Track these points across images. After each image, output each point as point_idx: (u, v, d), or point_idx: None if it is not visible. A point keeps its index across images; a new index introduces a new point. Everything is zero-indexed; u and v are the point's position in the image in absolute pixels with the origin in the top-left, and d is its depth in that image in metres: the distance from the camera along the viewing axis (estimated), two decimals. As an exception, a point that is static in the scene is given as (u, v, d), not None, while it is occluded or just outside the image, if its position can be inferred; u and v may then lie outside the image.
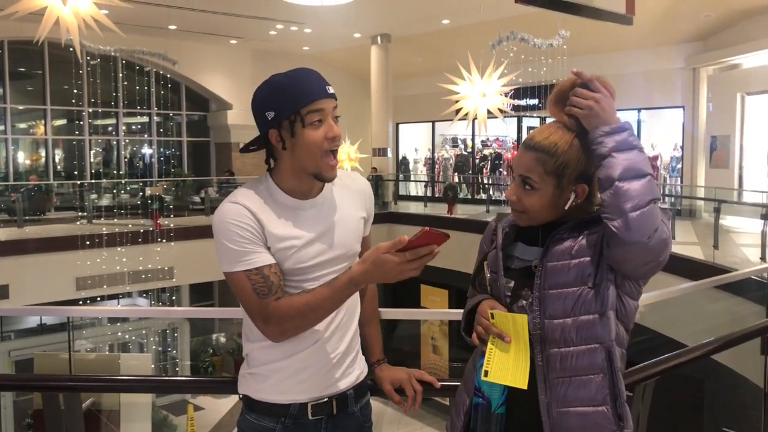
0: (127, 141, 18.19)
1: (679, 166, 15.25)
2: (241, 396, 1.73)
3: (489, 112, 11.41)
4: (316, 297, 1.53)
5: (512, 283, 1.55)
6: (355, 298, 1.74)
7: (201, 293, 15.40)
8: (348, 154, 16.12)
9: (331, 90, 1.59)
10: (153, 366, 11.24)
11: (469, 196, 18.65)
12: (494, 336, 1.48)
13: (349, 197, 1.73)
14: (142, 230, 11.74)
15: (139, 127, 18.70)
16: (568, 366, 1.45)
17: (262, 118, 1.59)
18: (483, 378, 1.46)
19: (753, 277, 5.37)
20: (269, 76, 1.61)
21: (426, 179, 19.91)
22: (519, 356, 1.46)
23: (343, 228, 1.67)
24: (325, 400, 1.67)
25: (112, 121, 17.67)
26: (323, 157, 1.58)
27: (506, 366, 1.46)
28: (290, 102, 1.55)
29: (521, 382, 1.45)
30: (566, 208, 1.49)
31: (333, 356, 1.67)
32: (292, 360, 1.64)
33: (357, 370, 1.75)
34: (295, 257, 1.60)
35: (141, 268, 11.50)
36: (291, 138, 1.57)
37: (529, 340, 1.47)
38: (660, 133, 15.89)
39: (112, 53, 12.71)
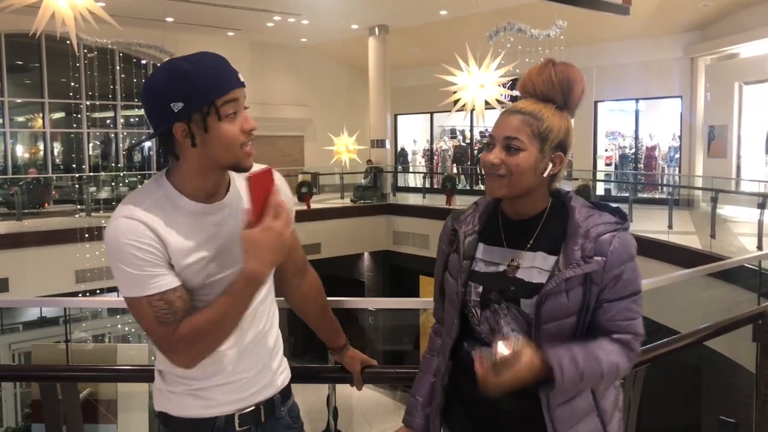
0: (125, 134, 18.16)
1: (677, 155, 15.26)
2: (157, 413, 1.59)
3: (487, 103, 11.39)
4: (218, 309, 1.38)
5: (480, 288, 1.53)
6: (271, 302, 1.66)
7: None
8: (346, 145, 16.13)
9: (242, 77, 1.42)
10: (153, 357, 11.27)
11: (468, 187, 18.67)
12: None
13: None
14: (140, 223, 11.71)
15: (137, 119, 18.66)
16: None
17: (163, 109, 1.36)
18: None
19: (746, 265, 5.39)
20: (167, 61, 1.42)
21: (424, 170, 19.91)
22: None
23: None
24: (252, 408, 1.58)
25: (110, 114, 17.63)
26: (240, 148, 1.41)
27: None
28: (203, 92, 1.36)
29: None
30: (544, 175, 1.49)
31: (258, 365, 1.58)
32: (218, 377, 1.52)
33: (284, 374, 1.68)
34: (207, 270, 1.44)
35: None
36: (203, 133, 1.37)
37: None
38: (658, 123, 15.90)
39: (109, 46, 12.69)
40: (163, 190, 1.44)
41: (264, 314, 1.60)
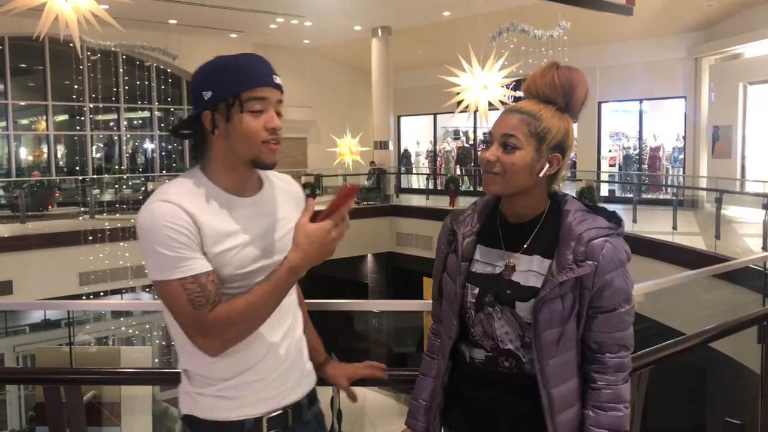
0: (128, 136, 18.19)
1: (681, 156, 15.22)
2: (182, 416, 1.59)
3: (490, 104, 11.38)
4: (258, 295, 1.40)
5: (477, 290, 1.53)
6: (295, 300, 1.67)
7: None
8: (349, 147, 16.13)
9: (278, 80, 1.48)
10: (156, 360, 11.29)
11: (471, 189, 18.63)
12: None
13: (288, 200, 1.62)
14: (144, 225, 11.73)
15: (141, 122, 18.70)
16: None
17: (198, 97, 1.46)
18: None
19: (751, 266, 5.36)
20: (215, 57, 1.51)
21: (428, 172, 19.90)
22: None
23: (284, 230, 1.55)
24: (281, 411, 1.56)
25: (114, 116, 17.67)
26: (261, 144, 1.46)
27: None
28: (231, 83, 1.44)
29: None
30: (540, 176, 1.49)
31: (286, 364, 1.57)
32: (246, 374, 1.51)
33: (311, 377, 1.68)
34: (237, 261, 1.46)
35: (144, 262, 11.51)
36: (225, 122, 1.45)
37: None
38: (662, 124, 15.85)
39: (113, 48, 12.72)
40: (196, 180, 1.49)
41: (290, 313, 1.61)
